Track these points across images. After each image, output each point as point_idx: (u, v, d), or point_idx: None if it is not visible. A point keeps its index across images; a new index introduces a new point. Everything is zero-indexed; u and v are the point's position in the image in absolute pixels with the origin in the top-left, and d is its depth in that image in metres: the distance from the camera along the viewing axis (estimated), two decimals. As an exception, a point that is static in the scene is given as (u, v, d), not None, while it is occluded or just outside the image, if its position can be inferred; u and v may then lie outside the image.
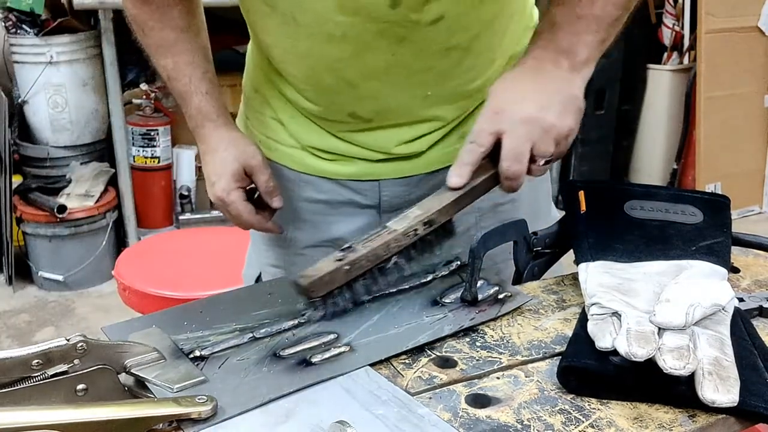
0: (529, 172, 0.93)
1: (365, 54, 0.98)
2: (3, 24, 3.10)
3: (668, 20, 3.88)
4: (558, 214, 1.19)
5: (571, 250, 0.96)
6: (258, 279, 1.20)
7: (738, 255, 1.00)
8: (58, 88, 3.12)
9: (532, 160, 0.92)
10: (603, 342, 0.74)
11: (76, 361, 0.69)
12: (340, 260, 0.85)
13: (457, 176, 0.92)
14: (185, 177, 3.48)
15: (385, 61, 0.99)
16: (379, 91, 1.02)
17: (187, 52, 1.09)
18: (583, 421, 0.69)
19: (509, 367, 0.77)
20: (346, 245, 0.87)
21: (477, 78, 1.06)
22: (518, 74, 0.95)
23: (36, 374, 0.68)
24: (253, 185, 1.08)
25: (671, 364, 0.69)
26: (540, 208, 1.21)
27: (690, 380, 0.70)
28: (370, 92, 1.02)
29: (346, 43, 0.96)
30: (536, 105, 0.91)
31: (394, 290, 0.90)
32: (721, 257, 0.89)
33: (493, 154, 0.92)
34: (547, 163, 0.94)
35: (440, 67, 1.01)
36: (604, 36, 0.98)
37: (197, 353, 0.77)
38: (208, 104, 1.10)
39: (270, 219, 1.09)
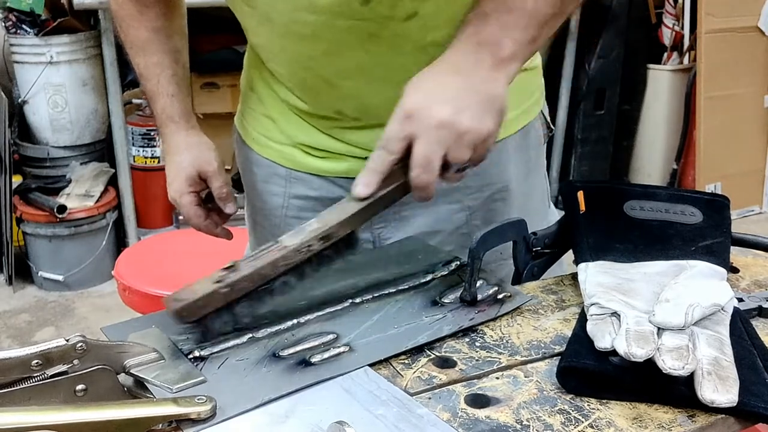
0: (443, 179, 0.87)
1: (338, 52, 0.97)
2: (3, 24, 3.10)
3: (668, 20, 3.88)
4: (558, 214, 1.19)
5: (571, 250, 0.96)
6: None
7: (737, 255, 1.00)
8: (58, 88, 3.12)
9: (446, 167, 0.85)
10: (602, 342, 0.74)
11: (75, 362, 0.69)
12: (218, 282, 0.79)
13: (364, 185, 0.86)
14: (185, 177, 3.47)
15: (360, 59, 0.98)
16: (359, 90, 1.02)
17: (158, 53, 1.14)
18: (582, 422, 0.69)
19: (508, 367, 0.77)
20: (230, 264, 0.80)
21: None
22: (435, 71, 0.87)
23: (35, 374, 0.68)
24: (207, 190, 1.14)
25: (670, 365, 0.69)
26: (533, 208, 1.19)
27: (689, 380, 0.70)
28: (350, 91, 1.02)
29: (318, 41, 0.96)
30: (451, 107, 0.83)
31: (394, 290, 0.90)
32: (720, 257, 0.89)
33: (406, 159, 0.85)
34: (462, 170, 0.88)
35: (418, 65, 0.95)
36: (534, 34, 0.88)
37: (196, 353, 0.77)
38: (172, 106, 1.16)
39: (221, 224, 1.19)
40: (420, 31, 0.96)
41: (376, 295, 0.89)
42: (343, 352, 0.78)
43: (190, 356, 0.77)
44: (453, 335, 0.82)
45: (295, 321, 0.83)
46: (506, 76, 0.87)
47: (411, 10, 0.93)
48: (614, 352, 0.72)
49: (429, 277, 0.93)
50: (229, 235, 1.18)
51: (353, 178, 1.09)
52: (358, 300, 0.88)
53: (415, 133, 0.84)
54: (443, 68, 0.87)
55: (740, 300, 0.87)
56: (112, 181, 3.27)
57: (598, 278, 0.85)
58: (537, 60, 1.16)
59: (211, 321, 0.79)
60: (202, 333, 0.79)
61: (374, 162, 0.87)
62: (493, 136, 0.86)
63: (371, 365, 0.76)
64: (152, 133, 3.31)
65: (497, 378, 0.75)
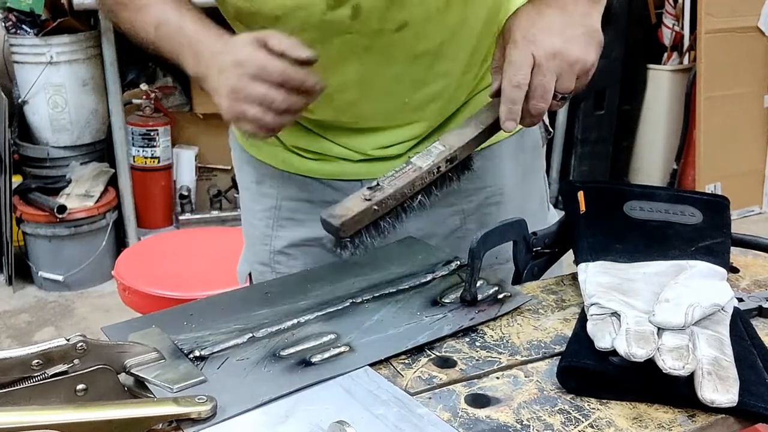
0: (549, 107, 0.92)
1: (334, 67, 0.98)
2: (3, 24, 3.10)
3: (668, 20, 3.88)
4: (558, 215, 1.18)
5: (571, 250, 0.96)
6: (249, 276, 1.20)
7: (737, 255, 1.00)
8: (58, 88, 3.12)
9: (553, 95, 0.91)
10: (602, 342, 0.74)
11: (75, 361, 0.69)
12: (368, 199, 0.84)
13: (512, 121, 0.91)
14: (185, 177, 3.48)
15: (355, 72, 0.99)
16: (355, 100, 1.03)
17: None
18: (582, 421, 0.69)
19: (509, 367, 0.77)
20: (374, 183, 0.86)
21: (453, 82, 1.05)
22: (539, 8, 0.93)
23: (36, 374, 0.68)
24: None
25: (670, 364, 0.69)
26: (530, 211, 1.17)
27: (689, 380, 0.70)
28: (347, 101, 1.03)
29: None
30: (561, 38, 0.90)
31: (394, 290, 0.90)
32: (720, 257, 0.89)
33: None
34: (563, 99, 0.93)
35: (412, 74, 1.00)
36: None
37: (197, 353, 0.77)
38: (202, 21, 0.96)
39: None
40: (411, 40, 0.97)
41: (376, 295, 0.89)
42: (344, 351, 0.78)
43: (191, 356, 0.77)
44: (453, 335, 0.82)
45: (295, 321, 0.83)
46: (598, 12, 0.95)
47: (401, 21, 0.94)
48: (614, 352, 0.72)
49: (429, 277, 0.93)
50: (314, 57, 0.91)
51: (346, 180, 1.09)
52: (358, 300, 0.88)
53: (537, 61, 0.89)
54: (546, 6, 0.93)
55: (740, 300, 0.87)
56: (112, 181, 3.27)
57: (598, 278, 0.85)
58: None
59: (361, 236, 0.85)
60: (354, 249, 0.85)
61: (513, 94, 0.90)
62: (594, 67, 0.93)
63: (371, 365, 0.76)
64: (152, 134, 3.31)
65: (497, 378, 0.76)
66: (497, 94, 0.93)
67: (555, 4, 0.93)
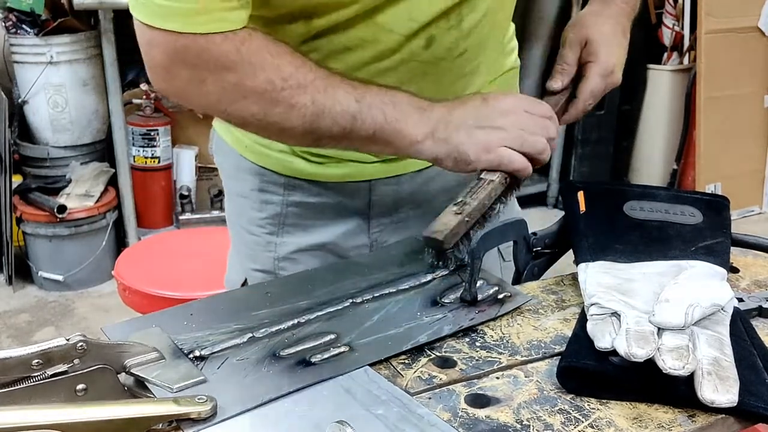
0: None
1: None
2: (3, 24, 3.10)
3: (668, 20, 3.88)
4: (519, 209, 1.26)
5: (571, 250, 0.96)
6: (244, 285, 1.18)
7: (737, 255, 1.00)
8: (58, 88, 3.12)
9: None
10: (602, 342, 0.74)
11: (76, 361, 0.69)
12: (459, 213, 0.91)
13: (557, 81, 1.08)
14: (185, 177, 3.48)
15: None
16: None
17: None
18: (582, 421, 0.69)
19: (509, 367, 0.77)
20: (458, 199, 0.93)
21: (468, 89, 1.09)
22: (611, 30, 1.10)
23: (36, 374, 0.68)
24: None
25: (670, 365, 0.69)
26: (512, 201, 1.22)
27: (689, 380, 0.70)
28: None
29: (376, 81, 0.98)
30: (619, 63, 1.09)
31: (394, 290, 0.90)
32: (720, 258, 0.89)
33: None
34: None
35: (454, 92, 1.04)
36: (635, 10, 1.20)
37: (197, 353, 0.77)
38: (400, 95, 0.95)
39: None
40: (463, 64, 1.03)
41: (376, 295, 0.89)
42: (344, 351, 0.78)
43: (191, 356, 0.77)
44: (453, 335, 0.82)
45: (295, 321, 0.83)
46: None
47: (462, 49, 1.00)
48: (614, 352, 0.72)
49: (429, 277, 0.93)
50: None
51: (353, 182, 1.09)
52: (358, 300, 0.88)
53: (604, 89, 1.09)
54: (615, 24, 1.12)
55: (740, 300, 0.87)
56: (112, 181, 3.28)
57: (598, 278, 0.85)
58: (518, 61, 1.23)
59: (458, 247, 0.92)
60: (453, 261, 0.93)
61: (577, 117, 1.10)
62: None
63: (371, 365, 0.76)
64: (152, 133, 3.31)
65: (497, 378, 0.76)
66: (552, 93, 1.07)
67: (621, 31, 1.12)
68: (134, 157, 3.33)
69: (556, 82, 1.08)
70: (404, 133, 0.93)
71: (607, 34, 1.09)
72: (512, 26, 1.17)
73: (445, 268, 0.93)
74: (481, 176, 0.95)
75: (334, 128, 0.92)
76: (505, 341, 0.82)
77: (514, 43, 1.21)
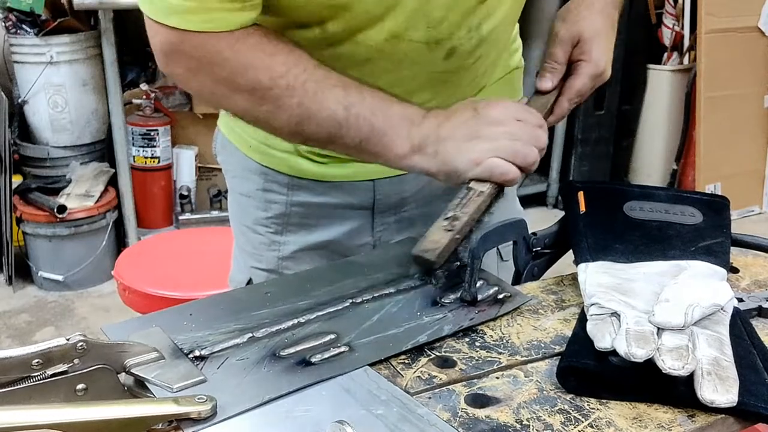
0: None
1: (409, 95, 1.01)
2: (3, 24, 3.10)
3: (668, 20, 3.88)
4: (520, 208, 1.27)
5: (571, 251, 0.96)
6: (248, 284, 1.18)
7: (737, 255, 1.00)
8: (58, 88, 3.12)
9: None
10: (602, 342, 0.74)
11: (75, 361, 0.69)
12: (450, 230, 0.89)
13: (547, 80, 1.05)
14: (185, 177, 3.48)
15: (424, 99, 1.03)
16: None
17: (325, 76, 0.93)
18: (582, 421, 0.69)
19: (508, 367, 0.77)
20: (449, 214, 0.91)
21: (478, 90, 1.11)
22: (602, 25, 1.04)
23: (36, 374, 0.68)
24: None
25: (670, 365, 0.69)
26: (514, 198, 1.26)
27: (689, 380, 0.70)
28: None
29: (393, 90, 0.99)
30: (608, 60, 1.05)
31: (394, 290, 0.90)
32: (720, 257, 0.89)
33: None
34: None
35: (465, 95, 1.05)
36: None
37: (197, 353, 0.77)
38: (401, 104, 0.94)
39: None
40: (477, 69, 1.04)
41: (376, 295, 0.89)
42: (344, 351, 0.78)
43: (191, 356, 0.77)
44: (453, 335, 0.82)
45: (295, 321, 0.83)
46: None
47: (478, 55, 1.01)
48: (614, 352, 0.72)
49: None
50: None
51: (357, 181, 1.09)
52: (358, 300, 0.88)
53: (592, 86, 1.05)
54: (605, 23, 1.05)
55: (740, 300, 0.87)
56: (112, 181, 3.28)
57: (598, 278, 0.85)
58: (522, 61, 1.24)
59: (449, 263, 0.90)
60: (443, 279, 0.90)
61: (564, 114, 1.06)
62: None
63: (371, 365, 0.76)
64: (152, 133, 3.31)
65: (497, 378, 0.76)
66: (542, 92, 1.04)
67: (611, 26, 1.06)
68: (134, 157, 3.33)
69: (546, 82, 1.04)
70: (390, 147, 0.93)
71: (599, 31, 1.04)
72: (517, 25, 1.18)
73: (433, 284, 0.90)
74: (470, 186, 0.93)
75: (320, 133, 0.93)
76: (504, 341, 0.82)
77: (519, 42, 1.21)
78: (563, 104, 1.04)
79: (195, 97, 1.02)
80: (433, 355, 0.79)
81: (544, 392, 0.73)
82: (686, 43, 3.88)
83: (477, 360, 0.78)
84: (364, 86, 0.93)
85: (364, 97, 0.92)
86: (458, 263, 0.95)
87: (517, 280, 0.97)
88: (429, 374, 0.76)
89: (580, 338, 0.77)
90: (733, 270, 0.97)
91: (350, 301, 0.88)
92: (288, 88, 0.90)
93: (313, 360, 0.76)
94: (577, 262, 0.91)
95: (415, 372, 0.76)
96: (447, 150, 0.92)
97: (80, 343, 0.69)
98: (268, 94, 0.90)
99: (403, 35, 0.95)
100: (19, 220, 3.12)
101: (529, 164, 0.93)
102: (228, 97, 0.92)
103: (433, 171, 0.93)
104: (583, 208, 0.97)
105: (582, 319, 0.81)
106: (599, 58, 1.03)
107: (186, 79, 0.93)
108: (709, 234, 0.93)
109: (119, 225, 3.30)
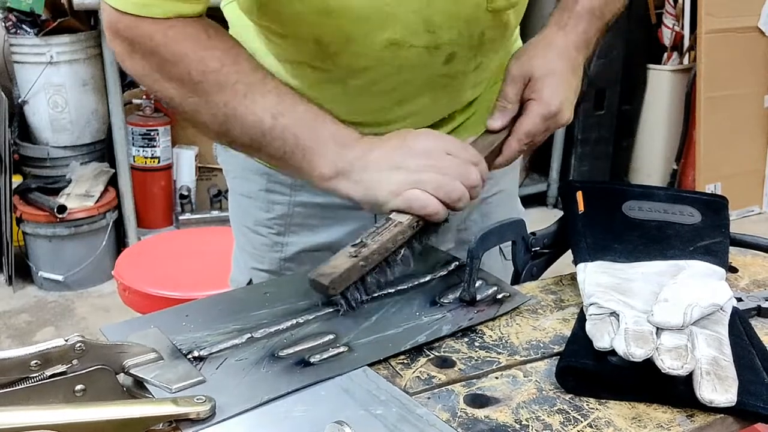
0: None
1: (408, 102, 1.02)
2: (3, 24, 3.10)
3: (668, 20, 3.88)
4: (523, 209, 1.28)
5: (570, 250, 0.96)
6: (249, 285, 1.18)
7: (736, 255, 1.00)
8: (58, 88, 3.12)
9: None
10: (601, 342, 0.74)
11: (74, 362, 0.69)
12: (354, 256, 0.85)
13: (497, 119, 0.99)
14: (185, 177, 3.48)
15: (424, 105, 1.03)
16: (409, 124, 1.05)
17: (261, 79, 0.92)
18: (581, 421, 0.69)
19: (508, 367, 0.77)
20: (357, 240, 0.87)
21: (477, 95, 1.11)
22: (558, 65, 0.98)
23: (34, 375, 0.68)
24: None
25: (669, 364, 0.69)
26: (516, 198, 1.25)
27: (688, 380, 0.70)
28: (401, 126, 1.04)
29: (394, 95, 0.99)
30: (567, 102, 0.98)
31: (393, 290, 0.90)
32: (719, 257, 0.89)
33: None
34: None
35: (466, 101, 1.06)
36: (599, 40, 1.06)
37: (196, 353, 0.77)
38: (334, 122, 0.92)
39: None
40: (477, 75, 1.04)
41: (374, 295, 0.89)
42: (342, 352, 0.78)
43: (189, 356, 0.77)
44: (452, 335, 0.82)
45: (294, 321, 0.83)
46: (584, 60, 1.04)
47: (479, 61, 1.00)
48: (613, 352, 0.72)
49: (428, 278, 0.93)
50: None
51: None
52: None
53: (545, 128, 0.98)
54: (566, 64, 0.99)
55: (739, 300, 0.87)
56: (112, 181, 3.28)
57: (597, 278, 0.85)
58: None
59: (349, 292, 0.85)
60: (342, 306, 0.85)
61: (513, 157, 1.00)
62: None
63: (370, 365, 0.76)
64: (152, 133, 3.31)
65: (496, 378, 0.76)
66: (491, 131, 0.98)
67: (571, 69, 0.99)
68: (134, 157, 3.33)
69: (495, 121, 0.98)
70: (314, 165, 0.90)
71: (553, 70, 0.97)
72: (518, 30, 1.18)
73: (336, 311, 0.85)
74: (390, 216, 0.89)
75: (244, 138, 0.91)
76: (504, 341, 0.82)
77: (519, 43, 1.21)
78: (512, 145, 0.98)
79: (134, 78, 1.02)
80: (432, 355, 0.79)
81: (544, 392, 0.73)
82: (686, 43, 3.88)
83: (476, 360, 0.78)
84: (303, 99, 0.91)
85: (296, 109, 0.90)
86: (453, 265, 0.94)
87: (516, 279, 0.97)
88: (428, 374, 0.76)
89: (579, 338, 0.77)
90: (732, 270, 0.97)
91: (383, 291, 0.88)
92: (217, 84, 0.89)
93: (312, 360, 0.76)
94: (576, 262, 0.91)
95: (414, 372, 0.76)
96: (370, 178, 0.89)
97: (79, 344, 0.69)
98: (197, 87, 0.89)
99: (403, 41, 0.95)
100: (19, 220, 3.12)
101: (453, 200, 0.88)
102: (159, 83, 0.92)
103: (357, 198, 0.91)
104: (581, 207, 0.97)
105: (581, 318, 0.81)
106: (551, 99, 0.97)
107: (122, 59, 0.94)
108: (708, 234, 0.93)
109: (119, 225, 3.30)
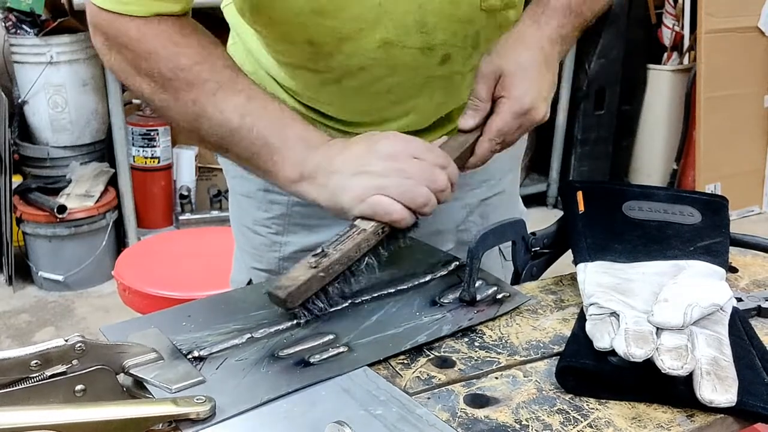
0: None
1: (405, 102, 1.02)
2: (3, 24, 3.10)
3: (668, 20, 3.88)
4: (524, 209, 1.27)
5: (570, 250, 0.96)
6: (249, 284, 1.18)
7: (736, 255, 1.00)
8: (58, 88, 3.12)
9: None
10: (601, 342, 0.74)
11: (74, 362, 0.69)
12: (314, 267, 0.82)
13: (469, 118, 0.95)
14: (185, 177, 3.48)
15: (422, 105, 1.03)
16: (406, 124, 1.05)
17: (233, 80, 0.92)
18: (581, 421, 0.69)
19: (508, 367, 0.77)
20: (318, 250, 0.83)
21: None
22: (530, 59, 0.94)
23: (34, 375, 0.68)
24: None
25: (669, 364, 0.69)
26: (517, 199, 1.25)
27: (688, 380, 0.70)
28: (399, 125, 1.05)
29: (390, 95, 0.99)
30: (540, 98, 0.93)
31: (393, 290, 0.90)
32: (719, 257, 0.89)
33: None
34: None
35: (462, 100, 1.04)
36: (576, 36, 1.02)
37: (195, 354, 0.77)
38: (304, 125, 0.92)
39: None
40: (472, 76, 1.01)
41: (375, 295, 0.89)
42: (342, 352, 0.78)
43: (189, 356, 0.77)
44: (452, 335, 0.82)
45: (293, 321, 0.83)
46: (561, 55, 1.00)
47: (475, 62, 0.98)
48: (613, 352, 0.72)
49: (428, 278, 0.93)
50: None
51: None
52: (357, 300, 0.88)
53: (519, 126, 0.94)
54: (539, 58, 0.94)
55: (739, 300, 0.87)
56: (112, 181, 3.27)
57: (597, 278, 0.85)
58: None
59: (310, 304, 0.82)
60: (303, 317, 0.82)
61: (486, 157, 0.96)
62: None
63: (370, 365, 0.76)
64: (152, 133, 3.31)
65: (496, 378, 0.76)
66: (464, 131, 0.95)
67: (546, 64, 0.94)
68: (134, 157, 3.33)
69: (467, 121, 0.95)
70: (280, 167, 0.89)
71: (524, 66, 0.93)
72: None
73: (297, 324, 0.83)
74: (354, 223, 0.86)
75: (213, 136, 0.91)
76: (503, 341, 0.82)
77: None
78: (484, 144, 0.95)
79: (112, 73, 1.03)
80: (432, 356, 0.79)
81: (543, 392, 0.73)
82: (686, 43, 3.87)
83: (476, 360, 0.78)
84: (274, 100, 0.91)
85: (265, 110, 0.89)
86: (453, 265, 0.94)
87: (516, 279, 0.97)
88: (428, 374, 0.76)
89: (579, 338, 0.77)
90: (732, 270, 0.97)
91: (349, 301, 0.88)
92: (188, 82, 0.89)
93: (312, 360, 0.76)
94: (576, 262, 0.91)
95: (414, 372, 0.76)
96: (335, 183, 0.87)
97: (79, 344, 0.69)
98: (168, 84, 0.90)
99: (396, 42, 0.95)
100: (19, 220, 3.12)
101: (418, 205, 0.86)
102: (132, 78, 0.93)
103: (322, 203, 0.89)
104: (581, 207, 0.97)
105: (581, 318, 0.81)
106: (522, 96, 0.93)
107: (102, 54, 0.95)
108: (708, 234, 0.93)
109: (119, 225, 3.30)
